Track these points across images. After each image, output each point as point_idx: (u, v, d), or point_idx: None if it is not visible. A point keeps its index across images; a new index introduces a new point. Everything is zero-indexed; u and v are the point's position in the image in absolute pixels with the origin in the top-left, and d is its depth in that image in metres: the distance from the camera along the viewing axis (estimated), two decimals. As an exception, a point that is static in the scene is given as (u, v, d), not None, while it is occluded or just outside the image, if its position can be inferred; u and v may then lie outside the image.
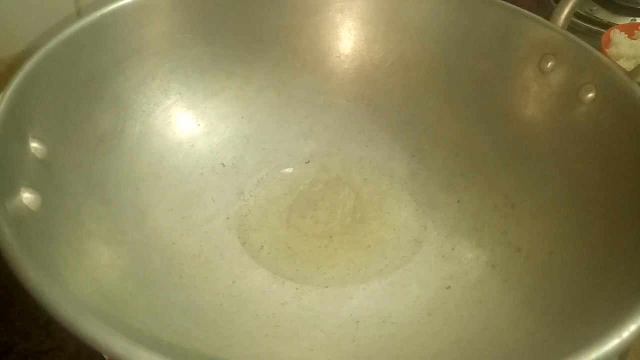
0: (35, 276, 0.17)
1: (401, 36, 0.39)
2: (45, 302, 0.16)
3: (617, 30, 0.46)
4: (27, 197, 0.23)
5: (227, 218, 0.34)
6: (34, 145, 0.25)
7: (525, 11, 0.35)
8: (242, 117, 0.38)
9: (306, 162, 0.38)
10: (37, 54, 0.27)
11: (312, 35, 0.39)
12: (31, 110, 0.26)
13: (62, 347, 0.29)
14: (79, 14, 0.36)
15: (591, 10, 0.55)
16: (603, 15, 0.56)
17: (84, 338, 0.16)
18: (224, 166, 0.36)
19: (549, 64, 0.34)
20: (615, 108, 0.30)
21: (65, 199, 0.26)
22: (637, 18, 0.53)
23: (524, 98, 0.35)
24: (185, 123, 0.36)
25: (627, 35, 0.45)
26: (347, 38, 0.40)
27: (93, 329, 0.16)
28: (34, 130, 0.26)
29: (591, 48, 0.32)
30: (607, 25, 0.51)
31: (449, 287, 0.30)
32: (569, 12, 0.35)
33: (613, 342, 0.19)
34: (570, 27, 0.35)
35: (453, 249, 0.33)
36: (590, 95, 0.31)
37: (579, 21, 0.53)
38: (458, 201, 0.35)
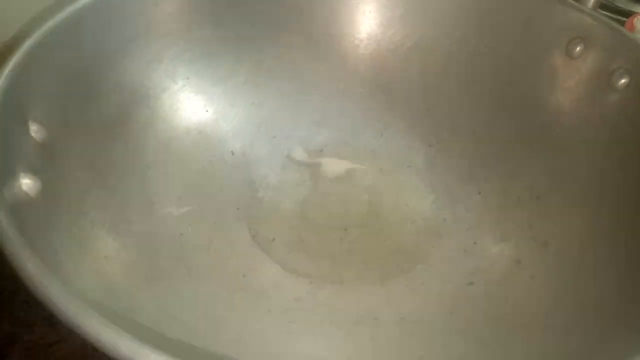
0: (34, 268, 0.16)
1: (419, 19, 0.37)
2: (44, 297, 0.15)
3: (640, 18, 0.45)
4: (26, 182, 0.21)
5: (237, 208, 0.32)
6: (34, 128, 0.24)
7: (553, -8, 0.33)
8: (253, 103, 0.36)
9: (319, 151, 0.36)
10: (36, 33, 0.25)
11: (326, 19, 0.37)
12: (31, 91, 0.25)
13: (67, 340, 0.28)
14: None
15: (611, -3, 0.54)
16: (623, 3, 0.54)
17: (87, 336, 0.14)
18: (233, 154, 0.34)
19: (578, 48, 0.32)
20: (652, 94, 0.28)
21: (68, 186, 0.25)
22: (660, 6, 0.51)
23: (550, 85, 0.33)
24: (193, 109, 0.34)
25: (652, 22, 0.44)
26: (362, 22, 0.38)
27: (96, 327, 0.14)
28: (34, 113, 0.24)
29: (625, 30, 0.30)
30: (628, 14, 0.50)
31: (471, 284, 0.29)
32: (600, -6, 0.33)
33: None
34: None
35: (475, 243, 0.31)
36: (624, 81, 0.30)
37: (598, 9, 0.51)
38: (479, 193, 0.33)
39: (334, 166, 0.36)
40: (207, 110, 0.35)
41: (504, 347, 0.24)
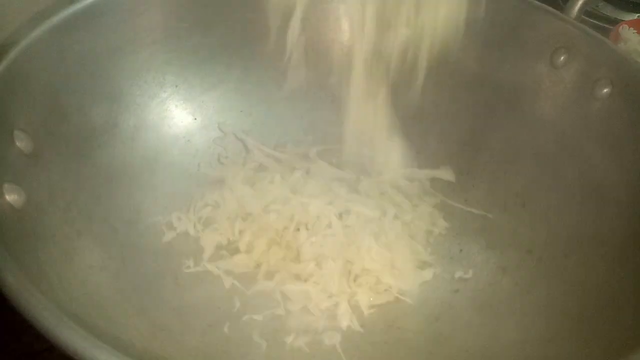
0: (13, 280, 0.16)
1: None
2: (23, 310, 0.15)
3: (625, 26, 0.45)
4: (10, 194, 0.21)
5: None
6: (19, 138, 0.24)
7: (537, 2, 0.33)
8: (241, 111, 0.36)
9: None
10: (23, 41, 0.25)
11: (315, 27, 0.37)
12: (17, 101, 0.25)
13: (54, 349, 0.28)
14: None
15: (597, 6, 0.54)
16: (609, 11, 0.54)
17: (66, 350, 0.14)
18: (221, 163, 0.35)
19: (562, 57, 0.32)
20: (633, 103, 0.29)
21: (54, 196, 0.25)
22: (645, 14, 0.52)
23: (534, 93, 0.34)
24: (182, 117, 0.34)
25: (636, 31, 0.44)
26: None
27: (76, 341, 0.14)
28: (20, 123, 0.24)
29: (607, 41, 0.31)
30: (614, 22, 0.50)
31: (457, 291, 0.29)
32: (583, 4, 0.33)
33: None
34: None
35: (461, 251, 0.31)
36: (606, 90, 0.30)
37: (585, 17, 0.52)
38: (465, 200, 0.34)
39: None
40: (195, 118, 0.35)
41: (488, 355, 0.24)
